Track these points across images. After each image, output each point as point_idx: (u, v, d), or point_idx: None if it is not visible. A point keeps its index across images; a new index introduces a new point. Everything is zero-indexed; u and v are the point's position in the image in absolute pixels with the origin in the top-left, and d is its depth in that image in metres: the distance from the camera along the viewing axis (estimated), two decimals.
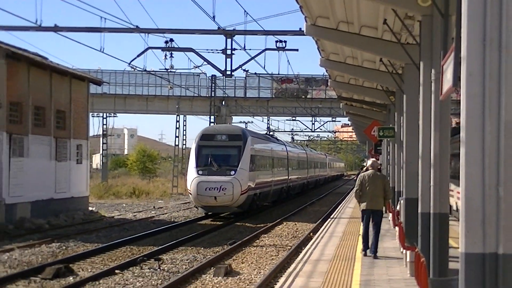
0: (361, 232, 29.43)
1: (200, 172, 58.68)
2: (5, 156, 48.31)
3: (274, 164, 78.65)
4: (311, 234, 41.36)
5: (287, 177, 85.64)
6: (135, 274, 29.46)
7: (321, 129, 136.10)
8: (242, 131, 66.48)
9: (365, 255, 27.67)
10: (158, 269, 30.72)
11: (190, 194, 60.38)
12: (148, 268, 30.89)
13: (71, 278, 28.31)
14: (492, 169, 9.59)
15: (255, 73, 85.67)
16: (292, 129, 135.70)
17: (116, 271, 29.97)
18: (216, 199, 57.53)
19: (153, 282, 27.67)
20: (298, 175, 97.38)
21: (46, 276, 28.17)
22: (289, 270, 24.65)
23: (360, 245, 29.72)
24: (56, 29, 50.97)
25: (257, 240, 41.68)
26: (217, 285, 27.05)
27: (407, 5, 21.39)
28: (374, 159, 34.63)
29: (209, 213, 62.77)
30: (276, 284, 22.50)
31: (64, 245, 38.68)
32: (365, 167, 31.57)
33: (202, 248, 37.26)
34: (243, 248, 37.89)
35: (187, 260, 33.18)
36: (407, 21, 24.44)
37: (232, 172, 59.16)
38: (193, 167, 60.06)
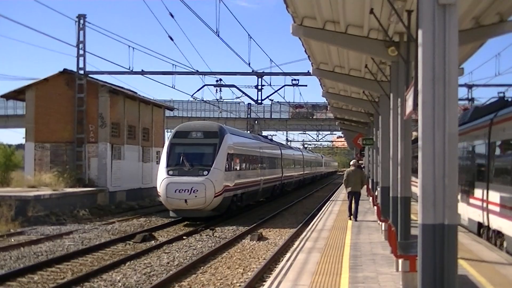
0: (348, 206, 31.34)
1: (171, 173, 37.69)
2: (108, 160, 50.41)
3: (263, 163, 53.30)
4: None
5: (280, 175, 62.40)
6: (197, 239, 29.58)
7: (323, 140, 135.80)
8: (219, 128, 41.14)
9: (350, 219, 30.33)
10: (212, 236, 30.91)
11: (160, 196, 38.30)
12: (206, 235, 30.98)
13: (153, 242, 28.72)
14: (439, 166, 9.69)
15: (278, 102, 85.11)
16: (303, 140, 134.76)
17: (184, 237, 30.38)
18: (187, 202, 36.32)
19: (209, 244, 27.69)
20: (293, 173, 75.50)
21: (136, 240, 29.06)
22: (301, 236, 24.60)
23: (350, 222, 30.20)
24: (142, 72, 50.88)
25: (279, 216, 41.52)
26: (253, 247, 27.02)
27: (381, 55, 21.34)
28: (355, 160, 36.71)
29: (180, 218, 38.36)
30: (293, 245, 22.39)
31: (148, 219, 39.72)
32: (350, 166, 32.26)
33: (242, 222, 37.22)
34: (270, 222, 37.83)
35: (232, 230, 33.15)
36: (381, 66, 24.40)
37: (205, 172, 37.26)
38: (163, 167, 38.38)
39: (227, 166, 38.05)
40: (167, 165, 36.96)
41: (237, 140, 43.25)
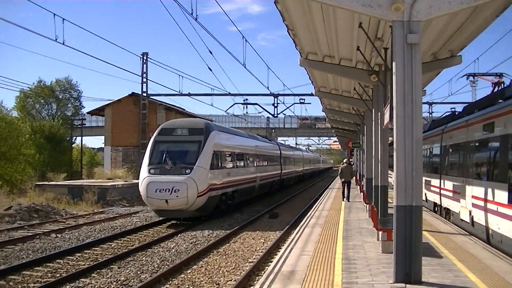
0: (341, 192, 32.41)
1: (152, 171, 27.71)
2: None
3: (260, 161, 42.47)
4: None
5: (279, 171, 51.65)
6: (224, 219, 29.46)
7: (323, 143, 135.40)
8: (205, 125, 30.31)
9: (343, 200, 31.43)
10: (240, 214, 30.72)
11: (142, 196, 28.06)
12: (236, 216, 30.85)
13: (189, 222, 28.10)
14: (409, 163, 9.72)
15: (289, 115, 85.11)
16: (308, 144, 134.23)
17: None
18: (168, 203, 26.44)
19: (239, 221, 27.73)
20: (292, 169, 63.64)
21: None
22: (307, 215, 24.54)
23: (343, 203, 30.01)
24: (189, 94, 51.03)
25: (290, 201, 41.36)
26: (270, 223, 26.95)
27: (365, 80, 21.35)
28: (347, 159, 37.38)
29: (162, 218, 28.59)
30: (301, 222, 22.36)
31: None
32: (343, 163, 32.81)
33: (262, 205, 37.05)
34: (283, 205, 37.69)
35: (255, 210, 33.06)
36: (365, 88, 24.38)
37: (187, 171, 27.22)
38: (145, 165, 28.24)
39: (213, 164, 27.48)
40: (149, 164, 26.86)
41: (226, 137, 31.86)
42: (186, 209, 25.65)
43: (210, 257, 17.88)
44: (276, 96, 51.45)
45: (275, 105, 51.71)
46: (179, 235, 22.72)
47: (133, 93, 52.58)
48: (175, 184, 25.47)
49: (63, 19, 25.57)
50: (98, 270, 15.76)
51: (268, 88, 66.16)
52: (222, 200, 29.08)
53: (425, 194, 26.14)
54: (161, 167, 26.22)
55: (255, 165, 39.40)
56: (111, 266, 16.37)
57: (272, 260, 15.01)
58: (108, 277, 14.82)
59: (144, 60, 49.29)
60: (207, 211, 27.11)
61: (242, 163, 34.97)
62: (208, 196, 26.37)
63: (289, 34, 17.25)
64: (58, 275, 15.33)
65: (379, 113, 19.97)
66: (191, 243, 20.72)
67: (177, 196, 25.32)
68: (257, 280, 13.38)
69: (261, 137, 48.49)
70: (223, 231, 23.87)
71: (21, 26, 75.67)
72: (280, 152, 53.66)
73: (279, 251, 15.28)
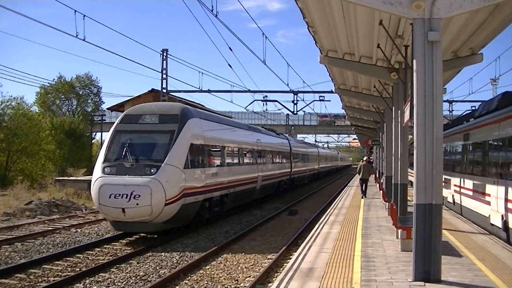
0: (360, 189, 32.84)
1: (107, 170, 20.50)
2: None
3: (263, 157, 35.32)
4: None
5: (289, 169, 45.24)
6: (243, 217, 29.53)
7: (342, 141, 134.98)
8: (181, 110, 22.45)
9: (362, 198, 31.25)
10: (259, 211, 30.82)
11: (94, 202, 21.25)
12: (254, 213, 30.92)
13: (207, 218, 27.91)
14: (429, 161, 9.72)
15: (309, 112, 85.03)
16: (327, 141, 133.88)
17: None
18: (125, 212, 19.33)
19: (258, 217, 27.77)
20: (305, 167, 56.93)
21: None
22: (326, 212, 24.55)
23: (362, 200, 30.00)
24: (208, 91, 51.03)
25: (309, 198, 41.35)
26: (289, 220, 26.97)
27: (385, 78, 21.32)
28: (366, 157, 39.01)
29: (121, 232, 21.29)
30: (319, 219, 22.36)
31: None
32: (362, 160, 33.37)
33: (281, 202, 37.07)
34: (302, 202, 37.70)
35: (274, 208, 33.07)
36: (385, 86, 24.32)
37: (153, 170, 19.93)
38: (99, 163, 20.98)
39: (190, 161, 20.95)
40: (104, 160, 20.49)
41: (211, 127, 24.81)
42: (150, 220, 19.28)
43: (229, 253, 17.95)
44: (295, 93, 51.34)
45: (295, 102, 51.56)
46: (197, 231, 22.80)
47: (152, 89, 52.66)
48: (135, 187, 19.02)
49: (84, 15, 25.61)
50: (118, 265, 15.89)
51: (287, 85, 66.57)
52: (205, 208, 22.79)
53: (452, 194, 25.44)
54: (119, 165, 19.96)
55: (256, 162, 32.95)
56: (130, 261, 16.49)
57: (291, 257, 15.04)
58: (127, 272, 14.93)
59: (164, 57, 49.43)
60: (181, 222, 21.02)
61: (236, 160, 28.62)
62: (182, 204, 20.00)
63: (309, 31, 17.27)
64: (77, 269, 15.47)
65: (399, 111, 19.94)
66: (209, 239, 20.81)
67: (137, 204, 18.87)
68: (276, 277, 13.42)
69: (266, 130, 41.60)
70: (242, 227, 23.93)
71: (42, 22, 76.12)
72: (290, 147, 47.84)
73: (298, 248, 15.31)
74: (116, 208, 19.08)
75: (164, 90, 50.48)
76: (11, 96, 59.71)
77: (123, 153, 20.21)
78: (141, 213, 19.07)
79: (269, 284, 13.09)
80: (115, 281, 13.96)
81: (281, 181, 41.57)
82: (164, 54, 49.85)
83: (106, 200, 19.28)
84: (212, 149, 24.29)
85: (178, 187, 19.84)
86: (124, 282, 13.81)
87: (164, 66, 49.66)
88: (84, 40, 26.89)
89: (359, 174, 32.59)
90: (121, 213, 19.07)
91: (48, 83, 74.76)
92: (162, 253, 17.71)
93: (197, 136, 22.15)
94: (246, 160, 30.74)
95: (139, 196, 18.91)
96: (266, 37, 37.70)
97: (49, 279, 14.41)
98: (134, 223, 19.42)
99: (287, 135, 51.62)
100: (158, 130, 21.04)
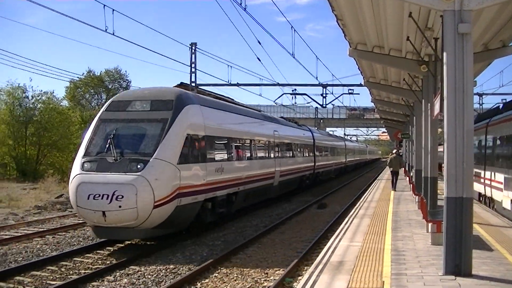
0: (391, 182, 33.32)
1: (87, 166, 16.97)
2: None
3: (281, 151, 31.81)
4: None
5: (313, 164, 41.84)
6: (272, 210, 29.54)
7: (371, 134, 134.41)
8: (177, 95, 18.72)
9: (392, 190, 31.67)
10: (289, 204, 30.81)
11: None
12: (284, 206, 30.90)
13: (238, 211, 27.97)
14: (460, 154, 9.67)
15: (338, 106, 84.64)
16: (356, 134, 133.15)
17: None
18: (106, 216, 15.94)
19: (287, 210, 27.75)
20: (331, 161, 53.48)
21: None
22: (355, 206, 24.51)
23: (392, 193, 29.86)
24: (237, 84, 51.07)
25: (338, 191, 41.29)
26: (318, 213, 26.98)
27: (415, 71, 21.22)
28: (396, 150, 39.36)
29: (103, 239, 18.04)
30: (349, 213, 22.33)
31: None
32: (392, 154, 33.73)
33: (310, 195, 37.04)
34: (332, 195, 37.67)
35: (303, 201, 33.05)
36: (415, 79, 24.22)
37: (139, 166, 16.42)
38: (79, 157, 17.48)
39: (186, 155, 17.73)
40: (85, 154, 17.42)
41: (214, 116, 21.33)
42: (136, 226, 16.31)
43: (258, 246, 18.01)
44: (324, 86, 51.17)
45: (324, 95, 51.38)
46: (229, 223, 22.88)
47: (181, 83, 52.77)
48: (117, 187, 16.01)
49: (113, 10, 25.75)
50: (146, 258, 16.02)
51: (317, 78, 66.52)
52: (206, 209, 19.70)
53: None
54: (101, 160, 16.98)
55: (273, 156, 29.58)
56: (159, 254, 16.59)
57: (320, 250, 15.05)
58: (156, 265, 15.05)
59: (193, 50, 49.62)
60: (177, 227, 18.20)
61: (247, 154, 25.16)
62: (177, 205, 16.98)
63: (338, 24, 17.23)
64: (108, 262, 15.64)
65: (428, 104, 19.84)
66: (239, 232, 20.89)
67: (119, 207, 15.86)
68: (305, 270, 13.45)
69: (285, 121, 38.47)
70: (272, 220, 23.99)
71: (72, 17, 76.64)
72: (314, 140, 44.52)
73: (328, 242, 15.32)
74: (96, 211, 16.03)
75: (193, 84, 50.74)
76: (42, 90, 60.27)
77: (107, 146, 17.19)
78: (125, 217, 15.97)
79: (299, 278, 13.15)
80: (145, 273, 14.10)
81: (303, 176, 38.50)
82: (193, 47, 50.04)
83: (84, 202, 16.27)
84: (216, 141, 21.00)
85: (170, 186, 16.72)
86: (155, 275, 13.94)
87: (193, 60, 49.86)
88: (113, 34, 27.05)
89: (389, 167, 33.50)
90: (101, 217, 16.00)
91: (78, 77, 75.31)
92: (192, 246, 17.82)
93: (196, 125, 18.90)
94: (260, 154, 27.24)
95: (122, 197, 15.87)
96: (295, 30, 37.77)
97: (80, 271, 14.60)
98: (117, 229, 16.41)
99: (310, 127, 48.10)
100: (149, 119, 17.87)
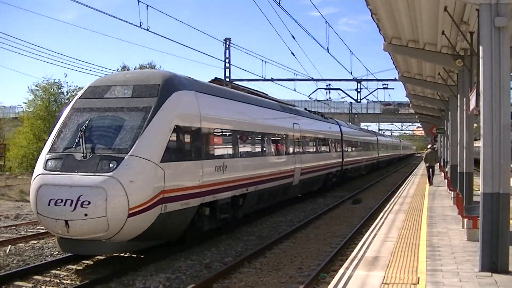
0: (427, 177, 33.89)
1: (51, 164, 13.69)
2: None
3: (303, 146, 28.08)
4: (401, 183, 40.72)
5: (340, 160, 38.18)
6: (308, 204, 29.48)
7: (406, 129, 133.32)
8: (163, 79, 15.19)
9: (428, 184, 32.21)
10: (323, 199, 30.67)
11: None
12: (318, 201, 30.82)
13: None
14: (496, 149, 9.57)
15: (372, 101, 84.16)
16: (391, 129, 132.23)
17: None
18: (69, 226, 12.62)
19: (322, 206, 27.72)
20: (361, 157, 49.54)
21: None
22: (390, 201, 24.38)
23: (427, 189, 29.60)
24: (272, 79, 51.18)
25: (373, 186, 41.09)
26: (353, 208, 26.89)
27: (450, 65, 21.01)
28: (431, 145, 39.43)
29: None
30: (384, 208, 22.22)
31: None
32: (427, 148, 33.95)
33: (345, 190, 36.87)
34: (367, 190, 37.50)
35: (338, 196, 32.92)
36: (450, 73, 23.96)
37: (112, 164, 13.12)
38: (43, 153, 14.29)
39: (173, 151, 14.65)
40: (50, 150, 14.48)
41: (215, 104, 17.99)
42: (108, 238, 13.24)
43: (293, 241, 18.00)
44: (359, 81, 50.97)
45: (358, 90, 51.19)
46: (263, 218, 22.89)
47: (216, 78, 53.05)
48: (84, 190, 12.90)
49: (147, 5, 25.89)
50: (182, 253, 16.03)
51: (351, 73, 66.33)
52: (203, 216, 16.57)
53: None
54: (68, 157, 13.89)
55: (293, 152, 26.05)
56: (191, 249, 16.61)
57: (355, 245, 15.00)
58: (192, 260, 15.11)
59: (227, 46, 49.74)
60: (162, 238, 15.20)
61: (258, 149, 21.63)
62: (160, 213, 13.86)
63: (372, 18, 17.13)
64: (142, 256, 15.71)
65: (464, 99, 19.63)
66: (273, 227, 20.90)
67: (85, 215, 12.70)
68: (340, 266, 13.42)
69: (308, 113, 34.45)
70: (306, 215, 23.97)
71: (107, 13, 77.32)
72: (342, 134, 40.34)
73: (363, 237, 15.26)
74: (57, 220, 12.92)
75: (228, 79, 50.88)
76: (77, 86, 60.85)
77: (76, 140, 14.12)
78: (92, 228, 12.84)
79: (333, 273, 13.12)
80: (181, 268, 14.13)
81: (329, 173, 35.00)
82: (227, 43, 50.14)
83: (44, 208, 13.19)
84: (217, 135, 17.80)
85: (150, 189, 13.54)
86: (190, 270, 14.01)
87: (227, 55, 49.95)
88: (147, 30, 27.19)
89: (425, 162, 33.77)
90: (63, 227, 12.91)
91: (112, 72, 76.00)
92: (226, 241, 17.87)
93: (189, 115, 15.74)
94: (275, 149, 23.84)
95: (89, 203, 12.72)
96: (329, 25, 37.42)
97: (115, 265, 14.71)
98: (84, 242, 13.32)
99: (338, 120, 44.82)
100: (129, 107, 14.65)
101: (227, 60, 50.31)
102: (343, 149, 39.70)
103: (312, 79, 51.01)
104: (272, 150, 23.37)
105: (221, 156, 17.65)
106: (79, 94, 16.06)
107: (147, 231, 13.66)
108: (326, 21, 33.81)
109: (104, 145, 13.99)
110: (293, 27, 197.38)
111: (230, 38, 49.34)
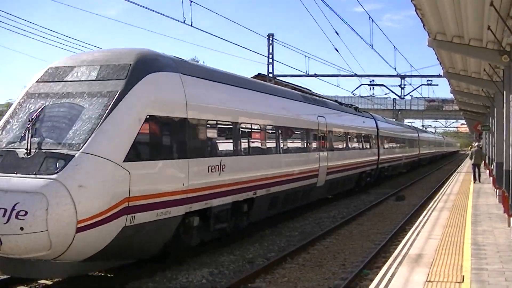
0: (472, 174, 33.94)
1: None
2: None
3: (332, 143, 24.98)
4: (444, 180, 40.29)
5: (376, 157, 34.97)
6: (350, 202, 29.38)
7: (450, 126, 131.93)
8: (138, 59, 12.09)
9: (473, 182, 32.05)
10: (366, 196, 30.52)
11: None
12: (362, 198, 30.71)
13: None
14: None
15: (416, 97, 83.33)
16: (435, 126, 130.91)
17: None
18: (1, 243, 9.52)
19: (365, 202, 27.54)
20: (400, 154, 46.35)
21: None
22: (434, 199, 24.16)
23: (471, 186, 29.27)
24: (315, 75, 51.08)
25: (417, 183, 40.75)
26: (396, 205, 26.72)
27: (496, 61, 20.65)
28: (477, 143, 41.00)
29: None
30: (428, 205, 22.02)
31: None
32: (472, 146, 33.87)
33: (388, 187, 36.62)
34: (410, 187, 37.21)
35: (381, 193, 32.72)
36: (496, 69, 23.61)
37: (59, 164, 10.02)
38: None
39: (143, 147, 11.63)
40: None
41: (207, 90, 14.58)
42: (54, 258, 10.38)
43: (336, 238, 17.97)
44: (403, 77, 50.52)
45: (402, 86, 50.75)
46: (306, 214, 22.87)
47: (259, 73, 53.18)
48: (19, 197, 10.05)
49: (191, 1, 25.99)
50: (225, 248, 16.13)
51: (395, 69, 65.35)
52: (191, 227, 13.46)
53: None
54: (8, 154, 11.13)
55: (316, 148, 22.83)
56: (236, 245, 16.66)
57: (398, 243, 14.89)
58: (235, 255, 15.18)
59: (270, 41, 49.78)
60: (131, 256, 12.18)
61: (271, 145, 18.34)
62: (124, 226, 10.90)
63: (417, 14, 16.94)
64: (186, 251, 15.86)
65: (510, 95, 19.32)
66: (316, 223, 20.88)
67: (21, 229, 9.83)
68: (383, 263, 13.34)
69: (337, 104, 31.06)
70: (350, 211, 23.91)
71: (150, 8, 77.98)
72: (378, 129, 37.29)
73: (406, 234, 15.15)
74: None
75: (271, 75, 50.97)
76: None
77: (22, 133, 11.35)
78: (30, 245, 9.94)
79: (376, 270, 13.05)
80: (224, 263, 14.21)
81: (362, 172, 31.87)
82: (270, 38, 50.20)
83: None
84: (210, 127, 14.43)
85: (108, 196, 10.55)
86: (233, 265, 14.06)
87: (270, 51, 50.00)
88: (191, 25, 27.30)
89: (471, 159, 34.10)
90: None
91: None
92: (270, 237, 17.90)
93: (168, 103, 12.62)
94: (293, 145, 20.64)
95: (26, 213, 9.83)
96: (372, 20, 37.26)
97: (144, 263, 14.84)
98: (23, 262, 10.46)
99: (374, 114, 41.59)
100: (91, 93, 11.71)
101: (270, 56, 50.36)
102: (379, 146, 36.66)
103: (356, 75, 50.75)
104: (288, 146, 19.92)
105: (216, 154, 14.54)
106: (37, 76, 12.94)
107: (108, 248, 10.70)
108: (369, 17, 33.75)
109: (54, 140, 11.02)
110: (337, 22, 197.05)
111: (273, 33, 49.39)
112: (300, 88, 55.97)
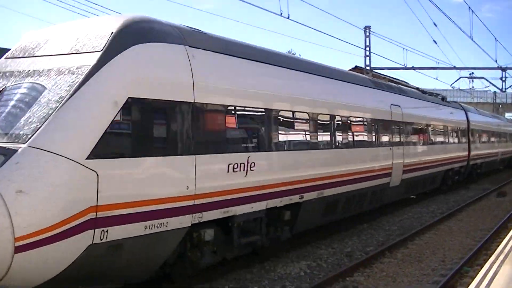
0: None
1: None
2: None
3: (408, 136, 21.34)
4: None
5: (466, 153, 31.12)
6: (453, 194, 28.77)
7: None
8: (122, 27, 9.07)
9: None
10: (466, 191, 29.79)
11: None
12: (461, 193, 30.06)
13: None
14: None
15: None
16: None
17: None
18: None
19: (465, 198, 27.00)
20: (495, 149, 41.48)
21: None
22: None
23: None
24: (413, 68, 50.28)
25: None
26: (498, 202, 26.05)
27: None
28: None
29: None
30: None
31: None
32: None
33: (489, 183, 35.68)
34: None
35: (481, 188, 31.87)
36: None
37: None
38: None
39: (120, 139, 8.74)
40: None
41: (223, 65, 11.29)
42: None
43: (435, 233, 17.73)
44: (504, 69, 48.98)
45: (503, 79, 49.27)
46: (405, 208, 22.65)
47: (356, 66, 52.89)
48: None
49: None
50: (323, 241, 16.19)
51: (496, 61, 63.19)
52: (202, 242, 10.75)
53: None
54: None
55: (389, 142, 19.55)
56: (336, 237, 16.74)
57: (500, 240, 14.55)
58: (333, 248, 15.23)
59: (367, 34, 49.37)
60: (110, 282, 9.41)
61: (324, 138, 15.01)
62: (91, 244, 8.10)
63: None
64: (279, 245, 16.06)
65: None
66: (415, 218, 20.66)
67: None
68: (485, 260, 13.09)
69: (415, 91, 27.48)
70: (448, 207, 23.53)
71: (246, 1, 78.56)
72: (468, 122, 33.17)
73: (509, 231, 14.78)
74: None
75: (368, 67, 50.57)
76: None
77: None
78: None
79: (477, 267, 12.81)
80: (322, 256, 14.30)
81: (449, 170, 28.20)
82: (367, 31, 49.77)
83: None
84: (230, 114, 11.34)
85: (60, 205, 7.80)
86: (329, 260, 14.09)
87: (367, 43, 49.57)
88: (288, 18, 27.40)
89: None
90: None
91: None
92: (368, 230, 17.86)
93: (161, 82, 9.61)
94: (355, 138, 16.96)
95: None
96: (472, 11, 36.24)
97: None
98: None
99: (464, 105, 36.63)
100: (59, 70, 9.01)
101: (367, 49, 49.96)
102: (469, 140, 32.65)
103: (455, 68, 49.64)
104: (349, 140, 16.53)
105: (240, 149, 11.54)
106: (9, 52, 10.58)
107: (69, 273, 8.04)
108: (469, 7, 32.81)
109: (2, 130, 8.48)
110: (435, 14, 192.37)
111: (370, 26, 49.00)
112: (397, 80, 55.36)
